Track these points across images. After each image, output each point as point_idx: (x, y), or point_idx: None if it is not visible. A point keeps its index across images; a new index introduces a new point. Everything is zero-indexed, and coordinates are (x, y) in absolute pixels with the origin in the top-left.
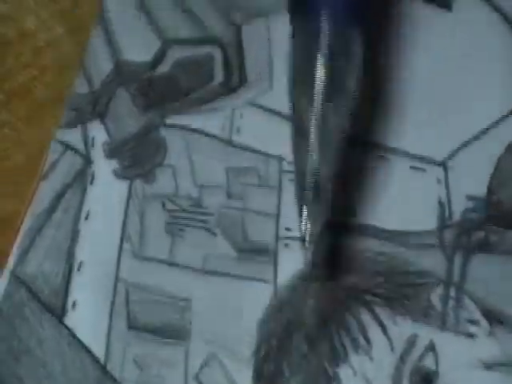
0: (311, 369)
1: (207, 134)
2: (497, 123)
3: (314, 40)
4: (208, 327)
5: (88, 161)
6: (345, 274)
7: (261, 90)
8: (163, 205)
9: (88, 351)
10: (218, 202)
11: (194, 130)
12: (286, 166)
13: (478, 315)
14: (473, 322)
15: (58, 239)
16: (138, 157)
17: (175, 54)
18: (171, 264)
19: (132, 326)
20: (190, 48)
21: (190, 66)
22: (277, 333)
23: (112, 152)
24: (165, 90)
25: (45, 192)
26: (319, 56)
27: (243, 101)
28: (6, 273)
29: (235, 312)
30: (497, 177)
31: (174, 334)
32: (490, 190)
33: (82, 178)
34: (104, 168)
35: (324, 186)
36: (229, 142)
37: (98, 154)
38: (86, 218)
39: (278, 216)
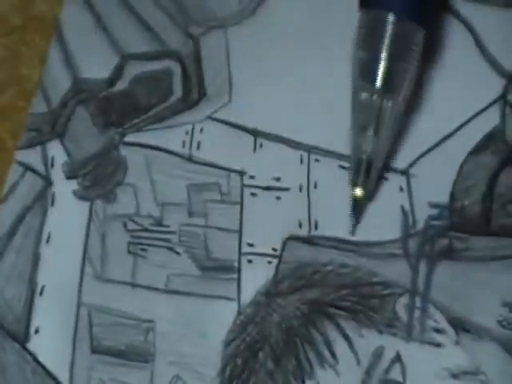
0: None
1: (167, 151)
2: (457, 130)
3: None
4: (172, 348)
5: (48, 182)
6: (308, 288)
7: (220, 104)
8: (124, 225)
9: (52, 377)
10: (180, 220)
11: (154, 148)
12: (247, 180)
13: (444, 324)
14: (439, 331)
15: (18, 263)
16: (99, 177)
17: (133, 69)
18: (134, 285)
19: (96, 350)
20: (148, 63)
21: (149, 81)
22: (242, 351)
23: (72, 172)
24: (123, 107)
25: (4, 215)
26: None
27: (203, 115)
28: None
29: (199, 332)
30: (459, 183)
31: (138, 356)
32: (452, 197)
33: (43, 199)
34: (64, 189)
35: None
36: (189, 159)
37: (57, 175)
38: (47, 241)
39: (240, 232)
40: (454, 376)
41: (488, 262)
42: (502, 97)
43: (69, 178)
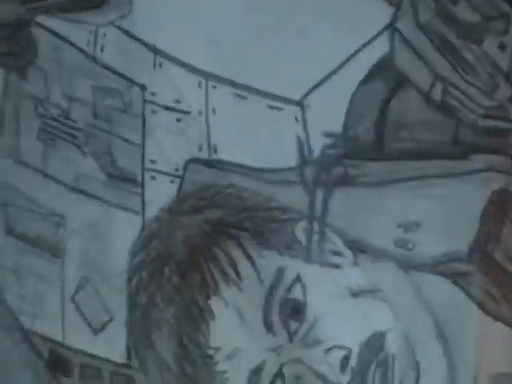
0: (184, 300)
1: (74, 46)
2: (348, 60)
3: None
4: (81, 248)
5: None
6: (210, 209)
7: (121, 13)
8: (36, 108)
9: None
10: (86, 119)
11: (63, 39)
12: (149, 96)
13: (341, 247)
14: (337, 253)
15: None
16: (13, 47)
17: None
18: (45, 175)
19: (10, 232)
20: None
21: None
22: (147, 265)
23: None
24: None
25: None
26: None
27: (105, 20)
28: None
29: (106, 238)
30: (352, 112)
31: (49, 249)
32: (346, 126)
33: None
34: None
35: None
36: (94, 60)
37: None
38: None
39: (143, 146)
40: (354, 295)
41: (382, 186)
42: (390, 24)
43: None
